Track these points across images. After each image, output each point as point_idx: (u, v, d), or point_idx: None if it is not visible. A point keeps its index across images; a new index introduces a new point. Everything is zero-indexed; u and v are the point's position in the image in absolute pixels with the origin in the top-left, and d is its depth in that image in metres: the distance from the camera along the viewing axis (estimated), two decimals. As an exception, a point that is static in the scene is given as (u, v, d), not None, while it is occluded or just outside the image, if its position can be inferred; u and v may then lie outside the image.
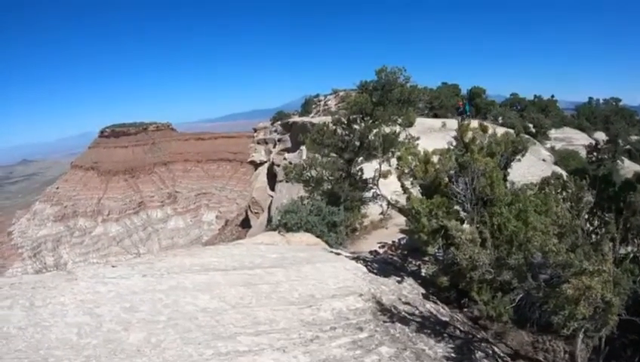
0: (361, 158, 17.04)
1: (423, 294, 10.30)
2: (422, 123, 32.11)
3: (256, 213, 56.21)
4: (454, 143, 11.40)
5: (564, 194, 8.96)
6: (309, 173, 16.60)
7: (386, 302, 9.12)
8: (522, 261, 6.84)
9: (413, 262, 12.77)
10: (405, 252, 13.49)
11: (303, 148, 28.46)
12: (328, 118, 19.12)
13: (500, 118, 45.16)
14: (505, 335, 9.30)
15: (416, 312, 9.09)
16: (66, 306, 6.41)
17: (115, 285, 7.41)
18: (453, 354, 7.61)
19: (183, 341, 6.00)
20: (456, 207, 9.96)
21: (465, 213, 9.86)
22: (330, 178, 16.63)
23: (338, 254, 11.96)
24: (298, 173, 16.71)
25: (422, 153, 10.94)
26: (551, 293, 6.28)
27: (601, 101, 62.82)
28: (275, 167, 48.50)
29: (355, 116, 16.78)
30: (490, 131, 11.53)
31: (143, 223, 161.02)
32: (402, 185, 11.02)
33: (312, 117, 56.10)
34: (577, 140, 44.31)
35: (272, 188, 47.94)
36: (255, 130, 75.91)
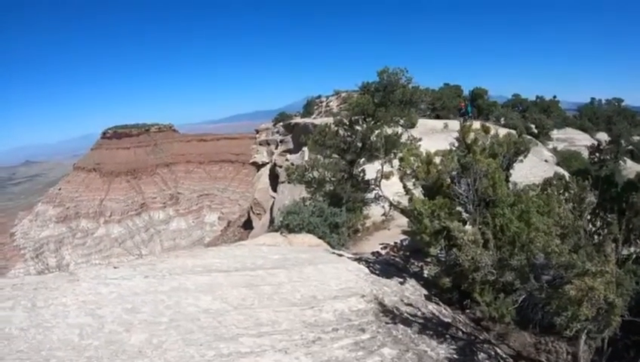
0: (363, 159, 17.02)
1: (425, 295, 10.29)
2: (424, 124, 32.09)
3: (258, 214, 56.20)
4: (456, 144, 11.39)
5: (567, 194, 8.94)
6: (311, 175, 16.57)
7: (388, 303, 9.11)
8: (525, 262, 6.82)
9: (416, 263, 12.75)
10: (407, 253, 13.47)
11: (305, 149, 28.45)
12: (330, 119, 19.09)
13: (502, 119, 45.17)
14: (507, 336, 9.28)
15: (419, 313, 9.08)
16: (68, 307, 6.41)
17: (117, 286, 7.41)
18: (455, 356, 7.59)
19: (184, 342, 6.00)
20: (459, 208, 9.95)
21: (467, 214, 9.84)
22: (332, 179, 16.61)
23: (340, 255, 11.95)
24: (300, 174, 16.69)
25: (424, 154, 10.92)
26: (553, 294, 6.27)
27: (604, 101, 62.86)
28: (277, 168, 48.48)
29: (357, 117, 16.77)
30: (492, 132, 11.52)
31: (145, 224, 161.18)
32: (404, 186, 11.00)
33: (314, 118, 56.14)
34: (579, 141, 44.30)
35: (274, 190, 47.93)
36: (257, 132, 75.95)
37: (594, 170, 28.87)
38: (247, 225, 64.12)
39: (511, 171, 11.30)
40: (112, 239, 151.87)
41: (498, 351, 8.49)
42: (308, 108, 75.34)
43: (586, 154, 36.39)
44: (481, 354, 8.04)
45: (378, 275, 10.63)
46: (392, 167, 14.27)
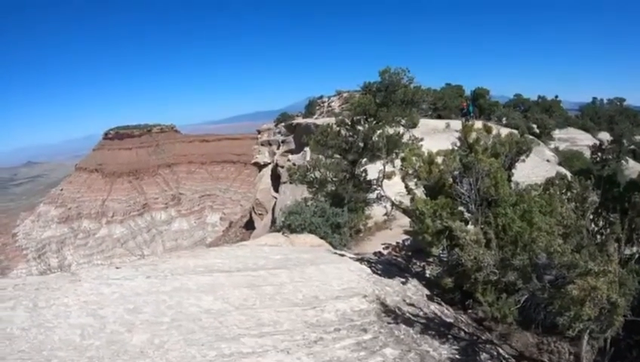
0: (365, 159, 17.02)
1: (427, 295, 10.28)
2: (425, 124, 32.07)
3: (260, 214, 56.22)
4: (458, 144, 11.38)
5: (569, 194, 8.92)
6: (312, 175, 16.57)
7: (390, 303, 9.10)
8: (527, 262, 6.81)
9: (418, 263, 12.74)
10: (409, 253, 13.46)
11: (307, 149, 28.46)
12: (332, 120, 19.09)
13: (504, 119, 45.15)
14: (510, 336, 9.27)
15: (421, 313, 9.07)
16: (70, 307, 6.40)
17: (119, 286, 7.40)
18: (457, 356, 7.59)
19: (186, 342, 5.99)
20: (461, 208, 9.94)
21: (469, 214, 9.83)
22: (334, 179, 16.60)
23: (342, 255, 11.94)
24: (302, 174, 16.69)
25: (426, 154, 10.92)
26: (556, 294, 6.26)
27: (605, 101, 62.74)
28: (279, 168, 48.49)
29: (358, 117, 16.76)
30: (494, 132, 11.51)
31: (147, 225, 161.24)
32: (406, 186, 10.99)
33: (316, 118, 56.13)
34: (581, 141, 44.26)
35: (276, 190, 47.97)
36: (259, 132, 76.00)
37: (596, 169, 28.81)
38: (249, 226, 64.16)
39: (513, 171, 11.30)
40: (114, 239, 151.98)
41: (500, 351, 8.48)
42: (310, 109, 75.30)
43: (588, 154, 36.35)
44: (484, 354, 8.03)
45: (380, 275, 10.62)
46: (393, 166, 14.26)
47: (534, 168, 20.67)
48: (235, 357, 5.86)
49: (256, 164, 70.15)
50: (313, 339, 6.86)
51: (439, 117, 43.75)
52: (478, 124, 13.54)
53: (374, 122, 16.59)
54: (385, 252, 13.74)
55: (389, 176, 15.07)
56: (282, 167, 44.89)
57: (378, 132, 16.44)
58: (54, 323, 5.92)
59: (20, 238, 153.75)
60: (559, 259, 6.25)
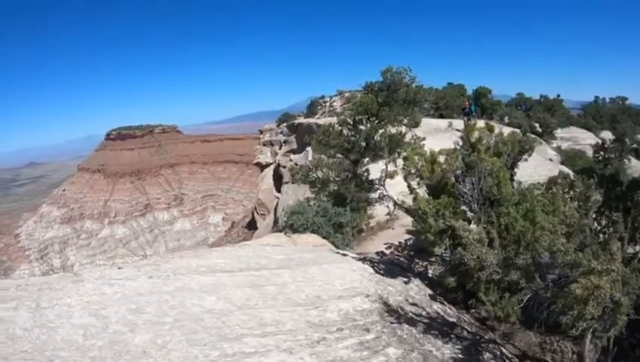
0: (367, 159, 17.01)
1: (430, 295, 10.27)
2: (427, 123, 32.06)
3: (262, 214, 56.27)
4: (461, 143, 11.37)
5: (572, 193, 8.92)
6: (315, 175, 16.57)
7: (392, 303, 9.10)
8: (530, 261, 6.80)
9: (420, 263, 12.73)
10: (412, 253, 13.44)
11: (309, 149, 28.45)
12: (334, 119, 19.08)
13: (506, 118, 45.09)
14: (512, 336, 9.25)
15: (424, 313, 9.07)
16: (72, 307, 6.40)
17: (121, 286, 7.40)
18: (460, 356, 7.58)
19: (188, 342, 5.99)
20: (463, 207, 9.92)
21: (472, 213, 9.82)
22: (336, 179, 16.60)
23: (344, 255, 11.93)
24: (304, 174, 16.69)
25: (428, 153, 10.90)
26: (559, 293, 6.24)
27: (608, 100, 62.64)
28: (281, 168, 48.51)
29: (360, 117, 16.75)
30: (496, 131, 11.50)
31: (150, 225, 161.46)
32: (409, 186, 10.98)
33: (318, 118, 56.11)
34: (584, 140, 44.22)
35: (278, 190, 47.98)
36: (261, 132, 76.08)
37: (598, 168, 28.80)
38: (252, 226, 64.23)
39: (515, 170, 11.28)
40: (117, 240, 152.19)
41: (503, 350, 8.47)
42: (311, 109, 75.33)
43: (590, 153, 36.32)
44: (487, 353, 8.02)
45: (383, 275, 10.61)
46: (396, 166, 14.24)
47: (537, 167, 20.62)
48: (237, 357, 5.85)
49: (258, 164, 70.26)
50: (316, 339, 6.85)
51: (441, 116, 43.71)
52: (480, 123, 13.52)
53: (376, 122, 16.58)
54: (387, 251, 13.73)
55: (391, 175, 15.06)
56: (284, 167, 44.93)
57: (380, 131, 16.44)
58: (57, 323, 5.92)
59: (22, 239, 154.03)
60: (562, 258, 6.24)
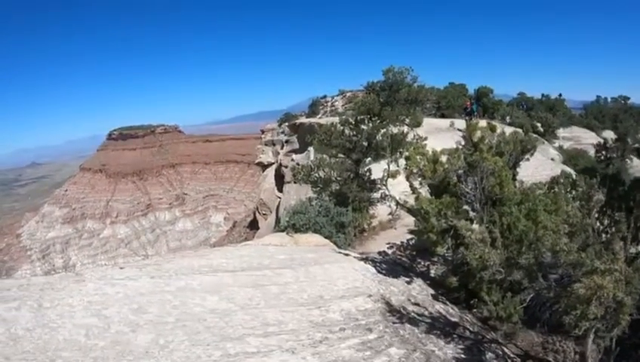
0: (369, 159, 16.98)
1: (432, 295, 10.26)
2: (429, 123, 32.07)
3: (264, 214, 56.21)
4: (463, 143, 11.35)
5: (574, 193, 8.90)
6: (317, 174, 16.54)
7: (395, 302, 9.09)
8: (533, 260, 6.79)
9: (422, 263, 12.72)
10: (414, 252, 13.42)
11: (311, 149, 28.41)
12: (336, 119, 19.06)
13: (508, 118, 44.98)
14: (515, 335, 9.23)
15: (426, 313, 9.06)
16: (74, 307, 6.40)
17: (123, 286, 7.40)
18: (462, 355, 7.57)
19: (191, 342, 5.99)
20: (466, 207, 9.92)
21: (474, 213, 9.81)
22: (338, 179, 16.58)
23: (346, 255, 11.93)
24: (306, 174, 16.67)
25: (430, 153, 10.89)
26: (562, 293, 6.23)
27: (609, 99, 62.55)
28: (283, 168, 48.45)
29: (362, 116, 16.73)
30: (498, 130, 11.48)
31: (151, 225, 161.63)
32: (411, 185, 10.97)
33: (320, 118, 56.10)
34: (586, 139, 44.10)
35: (280, 190, 47.92)
36: (262, 132, 76.01)
37: (600, 168, 28.74)
38: (253, 226, 64.16)
39: (517, 169, 11.27)
40: (118, 240, 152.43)
41: (505, 350, 8.46)
42: (313, 109, 75.32)
43: (592, 152, 36.22)
44: (489, 353, 8.01)
45: (385, 275, 10.61)
46: (398, 166, 14.22)
47: (538, 167, 20.58)
48: (240, 357, 5.85)
49: (259, 163, 70.16)
50: (318, 339, 6.85)
51: (443, 116, 43.64)
52: (482, 122, 13.51)
53: (378, 121, 16.56)
54: (389, 251, 13.71)
55: (393, 175, 15.03)
56: (286, 166, 44.87)
57: (382, 131, 16.41)
58: (59, 323, 5.92)
59: (24, 239, 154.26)
60: (565, 258, 6.23)
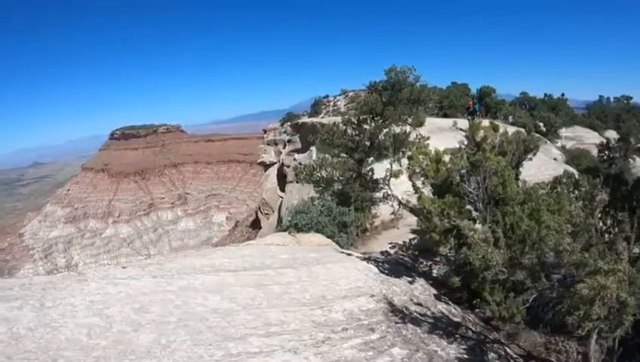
0: (371, 158, 16.97)
1: (434, 295, 10.24)
2: (432, 122, 32.05)
3: (266, 214, 56.21)
4: (465, 142, 11.34)
5: (577, 192, 8.88)
6: (319, 174, 16.53)
7: (397, 302, 9.08)
8: (536, 260, 6.78)
9: (425, 263, 12.70)
10: (416, 252, 13.41)
11: (313, 148, 28.40)
12: (338, 119, 19.05)
13: (510, 117, 44.91)
14: (517, 336, 9.22)
15: (428, 313, 9.05)
16: (76, 307, 6.40)
17: (126, 286, 7.40)
18: (465, 356, 7.56)
19: (193, 342, 5.98)
20: (468, 207, 9.91)
21: (477, 213, 9.80)
22: (340, 178, 16.57)
23: (349, 255, 11.92)
24: (308, 173, 16.66)
25: (433, 152, 10.88)
26: (565, 293, 6.22)
27: (612, 99, 62.41)
28: (285, 167, 48.44)
29: (365, 116, 16.71)
30: (501, 130, 11.46)
31: (154, 225, 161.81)
32: (413, 185, 10.95)
33: (322, 117, 56.06)
34: (588, 139, 44.02)
35: (282, 189, 47.90)
36: (265, 132, 76.08)
37: (603, 168, 28.67)
38: (255, 225, 64.19)
39: (520, 169, 11.25)
40: (121, 239, 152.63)
41: (508, 350, 8.44)
42: (315, 108, 75.40)
43: (594, 152, 36.16)
44: (491, 353, 8.00)
45: (387, 275, 10.60)
46: (400, 165, 14.20)
47: (541, 167, 20.57)
48: (242, 357, 5.84)
49: (262, 163, 70.22)
50: (321, 339, 6.84)
51: (445, 115, 43.59)
52: (485, 122, 13.49)
53: (381, 121, 16.55)
54: (392, 251, 13.70)
55: (395, 174, 15.01)
56: (288, 166, 44.86)
57: (384, 131, 16.40)
58: (61, 322, 5.92)
59: (26, 238, 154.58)
60: (568, 258, 6.21)
